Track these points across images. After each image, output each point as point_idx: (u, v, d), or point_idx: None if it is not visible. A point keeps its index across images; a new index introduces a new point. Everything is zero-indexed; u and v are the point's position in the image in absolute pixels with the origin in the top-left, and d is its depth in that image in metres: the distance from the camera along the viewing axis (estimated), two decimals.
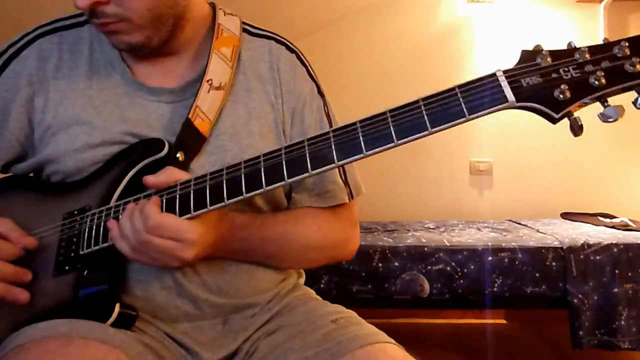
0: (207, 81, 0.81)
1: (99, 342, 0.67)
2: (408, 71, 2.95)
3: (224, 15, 0.89)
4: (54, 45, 0.85)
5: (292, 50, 0.91)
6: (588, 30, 2.89)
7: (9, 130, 0.84)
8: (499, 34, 2.95)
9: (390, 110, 0.66)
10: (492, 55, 2.92)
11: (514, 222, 2.66)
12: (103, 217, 0.75)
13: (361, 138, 0.65)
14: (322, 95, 0.91)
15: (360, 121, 0.67)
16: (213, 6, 0.90)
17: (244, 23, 0.91)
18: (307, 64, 0.92)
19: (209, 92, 0.81)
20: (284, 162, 0.68)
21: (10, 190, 0.86)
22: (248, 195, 0.68)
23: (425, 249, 2.01)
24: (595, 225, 2.40)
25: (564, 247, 1.97)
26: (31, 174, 0.87)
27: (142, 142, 0.80)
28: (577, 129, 0.62)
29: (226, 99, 0.83)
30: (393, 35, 2.99)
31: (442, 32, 2.99)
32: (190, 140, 0.79)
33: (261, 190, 0.68)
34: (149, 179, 0.75)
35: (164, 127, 0.81)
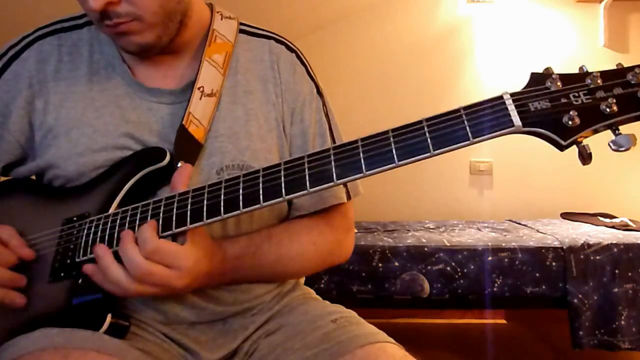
0: (199, 88, 0.81)
1: (96, 352, 0.66)
2: (408, 71, 2.95)
3: (221, 19, 0.89)
4: (53, 47, 0.84)
5: (291, 50, 0.91)
6: (588, 30, 2.88)
7: (10, 132, 0.83)
8: (499, 34, 2.95)
9: (393, 130, 0.64)
10: (492, 55, 2.93)
11: (514, 222, 2.66)
12: (101, 225, 0.75)
13: (362, 157, 0.64)
14: (321, 95, 0.91)
15: (362, 139, 0.65)
16: (211, 7, 0.90)
17: (242, 24, 0.91)
18: (306, 63, 0.92)
19: (200, 99, 0.81)
20: (282, 180, 0.67)
21: (11, 193, 0.86)
22: (245, 210, 0.67)
23: (425, 249, 2.01)
24: (595, 225, 2.40)
25: (564, 247, 1.97)
26: (32, 177, 0.87)
27: (144, 151, 0.79)
28: (586, 157, 0.60)
29: (223, 102, 0.83)
30: (393, 35, 2.99)
31: (442, 32, 2.99)
32: (187, 147, 0.79)
33: (258, 206, 0.67)
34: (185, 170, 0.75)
35: (164, 130, 0.81)
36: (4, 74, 0.84)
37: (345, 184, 0.88)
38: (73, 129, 0.80)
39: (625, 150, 0.58)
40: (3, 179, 0.87)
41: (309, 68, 0.92)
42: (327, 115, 0.91)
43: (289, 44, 0.92)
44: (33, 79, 0.83)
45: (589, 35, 2.88)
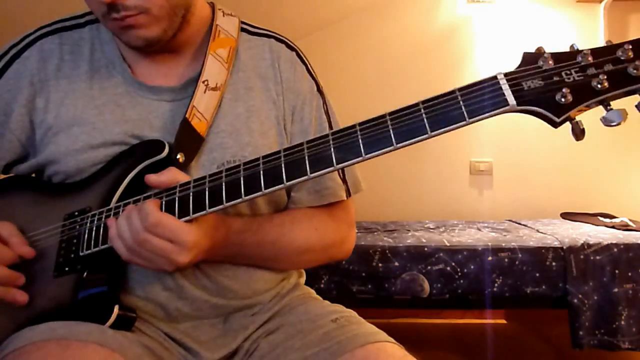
0: (203, 82, 0.81)
1: (97, 345, 0.67)
2: (408, 71, 2.95)
3: (223, 15, 0.89)
4: (55, 45, 0.85)
5: (291, 48, 0.91)
6: (588, 30, 2.89)
7: (11, 131, 0.84)
8: (499, 34, 2.95)
9: (390, 113, 0.65)
10: (492, 55, 2.92)
11: (514, 222, 2.66)
12: (103, 219, 0.75)
13: (360, 141, 0.65)
14: (322, 93, 0.92)
15: (360, 124, 0.66)
16: (212, 6, 0.91)
17: (243, 23, 0.91)
18: (306, 61, 0.92)
19: (205, 92, 0.81)
20: (282, 165, 0.67)
21: (11, 190, 0.86)
22: (247, 198, 0.68)
23: (425, 249, 2.01)
24: (595, 225, 2.40)
25: (564, 247, 1.97)
26: (33, 175, 0.87)
27: (143, 144, 0.80)
28: (578, 133, 0.61)
29: (225, 98, 0.83)
30: (393, 35, 2.99)
31: (442, 32, 2.99)
32: (189, 140, 0.79)
33: (260, 193, 0.67)
34: (152, 178, 0.75)
35: (164, 127, 0.81)
36: (5, 72, 0.84)
37: (345, 181, 0.89)
38: (73, 126, 0.81)
39: (616, 125, 0.59)
40: (3, 176, 0.88)
41: (309, 66, 0.92)
42: (327, 113, 0.91)
43: (289, 42, 0.92)
44: (34, 78, 0.83)
45: (589, 35, 2.88)
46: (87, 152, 0.80)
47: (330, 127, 0.90)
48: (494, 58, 2.91)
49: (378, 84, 2.96)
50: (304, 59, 0.92)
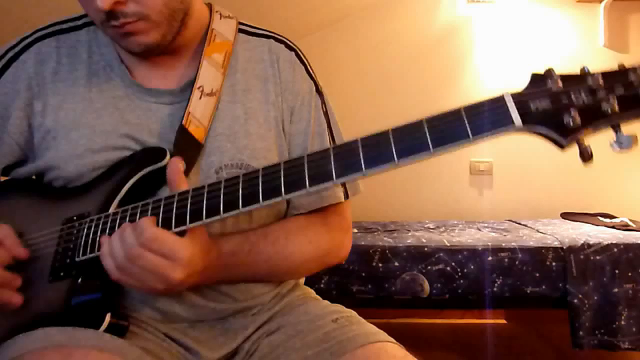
0: (198, 88, 0.81)
1: (97, 350, 0.66)
2: (408, 71, 2.95)
3: (220, 18, 0.89)
4: (52, 48, 0.84)
5: (291, 49, 0.91)
6: (588, 30, 2.88)
7: (9, 134, 0.83)
8: (499, 34, 2.94)
9: (393, 129, 0.64)
10: (492, 55, 2.93)
11: (514, 222, 2.66)
12: (101, 225, 0.75)
13: (362, 157, 0.64)
14: (321, 94, 0.91)
15: (362, 139, 0.65)
16: (210, 7, 0.90)
17: (241, 23, 0.91)
18: (306, 62, 0.92)
19: (200, 98, 0.81)
20: (282, 179, 0.66)
21: (10, 193, 0.86)
22: (244, 209, 0.67)
23: (425, 249, 2.01)
24: (595, 225, 2.40)
25: (564, 247, 1.97)
26: (33, 177, 0.87)
27: (144, 150, 0.79)
28: (586, 156, 0.59)
29: (222, 101, 0.83)
30: (393, 35, 2.99)
31: (442, 32, 2.99)
32: (186, 146, 0.78)
33: (257, 205, 0.67)
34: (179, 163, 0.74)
35: (163, 130, 0.81)
36: (2, 76, 0.84)
37: (344, 184, 0.88)
38: (72, 131, 0.80)
39: (627, 151, 0.58)
40: (3, 179, 0.87)
41: (308, 66, 0.92)
42: (326, 114, 0.91)
43: (289, 42, 0.91)
44: (32, 81, 0.83)
45: (589, 35, 2.87)
46: (87, 156, 0.79)
47: (330, 127, 0.90)
48: (494, 58, 2.91)
49: (378, 84, 2.95)
50: (304, 59, 0.91)
